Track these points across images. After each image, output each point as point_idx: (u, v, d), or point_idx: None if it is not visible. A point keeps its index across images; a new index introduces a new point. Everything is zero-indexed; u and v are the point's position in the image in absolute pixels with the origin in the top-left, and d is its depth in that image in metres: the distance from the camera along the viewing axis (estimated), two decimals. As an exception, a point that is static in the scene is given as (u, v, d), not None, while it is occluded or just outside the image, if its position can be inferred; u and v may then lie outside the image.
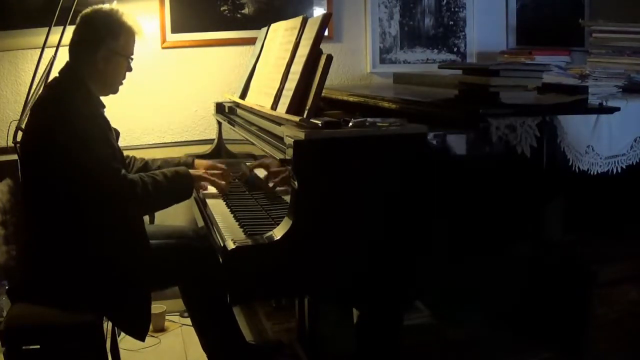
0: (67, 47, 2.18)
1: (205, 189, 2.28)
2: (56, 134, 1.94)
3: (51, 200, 1.98)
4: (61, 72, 2.15)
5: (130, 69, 2.23)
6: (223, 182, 2.24)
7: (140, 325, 2.08)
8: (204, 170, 2.26)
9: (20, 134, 2.74)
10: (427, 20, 3.55)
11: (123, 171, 2.00)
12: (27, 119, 2.11)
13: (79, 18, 2.19)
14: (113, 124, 2.18)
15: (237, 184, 2.46)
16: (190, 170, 2.19)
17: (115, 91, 2.24)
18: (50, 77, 2.76)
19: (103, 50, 2.12)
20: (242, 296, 1.72)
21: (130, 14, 2.22)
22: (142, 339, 2.10)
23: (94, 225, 1.97)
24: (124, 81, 2.24)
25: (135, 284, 2.04)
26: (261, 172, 2.35)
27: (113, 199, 1.95)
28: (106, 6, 2.19)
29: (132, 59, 2.22)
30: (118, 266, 2.00)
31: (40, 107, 2.09)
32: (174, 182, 2.10)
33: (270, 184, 2.24)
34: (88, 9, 2.20)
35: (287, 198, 2.06)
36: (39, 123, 2.04)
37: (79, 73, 2.12)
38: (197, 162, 2.51)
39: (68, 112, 1.98)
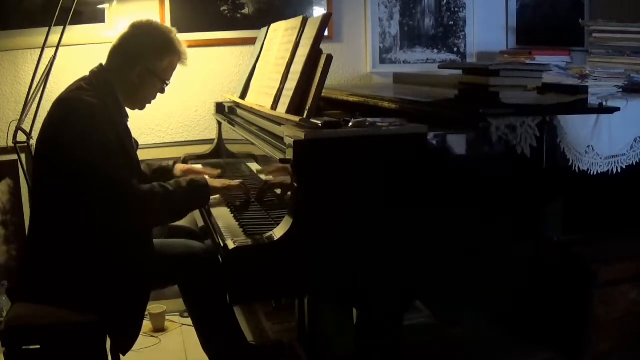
0: (109, 49, 2.12)
1: (229, 199, 2.19)
2: (72, 135, 1.91)
3: (56, 200, 1.96)
4: (93, 72, 2.10)
5: (163, 92, 2.20)
6: (237, 203, 2.15)
7: (130, 336, 2.07)
8: (223, 184, 2.16)
9: (20, 134, 2.75)
10: (427, 20, 3.55)
11: (134, 181, 1.95)
12: (48, 113, 2.04)
13: (130, 26, 2.14)
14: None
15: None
16: (209, 180, 2.12)
17: (141, 108, 2.21)
18: (52, 77, 2.77)
19: (142, 66, 2.08)
20: (242, 296, 1.72)
21: (182, 41, 2.17)
22: (125, 351, 2.07)
23: (96, 227, 1.96)
24: (153, 101, 2.22)
25: (136, 284, 2.04)
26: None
27: (118, 207, 1.91)
28: (163, 25, 2.17)
29: (167, 84, 2.19)
30: (122, 266, 2.00)
31: (64, 104, 2.02)
32: (190, 193, 2.03)
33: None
34: (143, 20, 2.17)
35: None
36: (59, 120, 1.98)
37: (111, 79, 2.07)
38: (177, 166, 2.52)
39: (89, 115, 1.93)
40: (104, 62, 2.14)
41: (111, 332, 2.03)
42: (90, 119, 1.93)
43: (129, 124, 2.16)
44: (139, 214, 1.95)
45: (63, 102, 2.03)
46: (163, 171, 2.49)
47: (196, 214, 2.32)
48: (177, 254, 2.18)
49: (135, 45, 2.10)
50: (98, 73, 2.10)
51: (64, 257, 1.98)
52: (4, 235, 2.11)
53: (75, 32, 2.97)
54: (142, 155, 2.66)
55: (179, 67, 2.24)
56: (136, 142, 2.25)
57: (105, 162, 1.89)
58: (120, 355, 2.20)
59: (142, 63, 2.09)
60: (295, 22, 2.16)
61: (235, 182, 2.21)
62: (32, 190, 2.06)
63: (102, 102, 2.00)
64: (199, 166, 2.66)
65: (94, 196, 1.91)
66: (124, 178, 1.92)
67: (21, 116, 2.74)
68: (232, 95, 2.74)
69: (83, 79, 2.09)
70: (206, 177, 2.21)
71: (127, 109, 2.18)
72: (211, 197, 2.14)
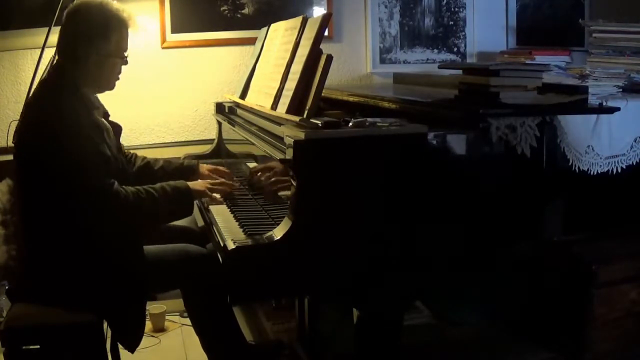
0: (57, 44, 2.06)
1: (212, 199, 2.18)
2: (44, 141, 1.90)
3: (47, 202, 1.96)
4: (50, 73, 2.06)
5: (126, 63, 2.12)
6: (221, 198, 2.16)
7: (134, 332, 2.07)
8: (204, 186, 2.16)
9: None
10: (427, 20, 3.55)
11: (114, 185, 1.93)
12: (18, 121, 2.05)
13: (64, 15, 2.04)
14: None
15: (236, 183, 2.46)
16: (190, 184, 2.11)
17: (111, 88, 2.13)
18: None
19: (94, 55, 2.01)
20: (242, 296, 1.73)
21: (119, 5, 2.05)
22: (132, 350, 2.08)
23: (90, 227, 1.96)
24: (120, 76, 2.13)
25: (135, 285, 2.04)
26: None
27: (99, 211, 1.92)
28: (95, 2, 2.02)
29: (126, 56, 2.11)
30: (117, 267, 2.00)
31: (29, 110, 2.02)
32: (172, 198, 2.03)
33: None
34: (73, 5, 2.05)
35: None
36: (27, 128, 1.99)
37: (70, 74, 2.02)
38: (202, 166, 2.46)
39: (56, 121, 1.91)
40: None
41: (116, 330, 2.03)
42: (55, 121, 1.90)
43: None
44: (121, 216, 1.95)
45: (29, 106, 2.03)
46: (187, 171, 2.42)
47: (196, 213, 2.32)
48: (175, 261, 2.17)
49: (78, 36, 2.01)
50: (55, 71, 2.06)
51: (60, 256, 1.98)
52: (4, 235, 2.11)
53: (75, 32, 2.97)
54: (142, 155, 2.67)
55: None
56: (119, 128, 2.20)
57: (76, 162, 1.88)
58: (120, 356, 2.20)
59: (94, 50, 2.01)
60: (295, 22, 2.16)
61: (217, 181, 2.22)
62: (18, 194, 2.05)
63: (65, 101, 1.95)
64: (221, 168, 2.54)
65: (77, 200, 1.91)
66: (102, 182, 1.90)
67: (21, 116, 2.74)
68: (232, 95, 2.74)
69: (43, 80, 2.07)
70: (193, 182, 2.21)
71: (99, 95, 2.14)
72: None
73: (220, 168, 2.49)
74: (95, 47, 2.01)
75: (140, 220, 2.04)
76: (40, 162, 1.93)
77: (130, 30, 2.09)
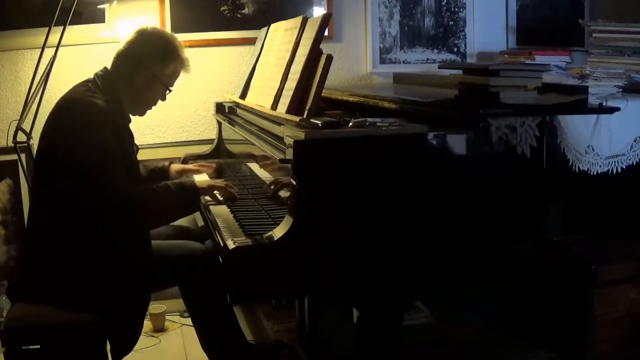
0: (109, 50, 2.17)
1: (213, 198, 2.20)
2: (71, 134, 1.93)
3: (56, 200, 1.97)
4: (97, 75, 2.12)
5: (164, 99, 2.22)
6: (222, 198, 2.18)
7: (131, 337, 2.07)
8: (207, 184, 2.18)
9: (20, 134, 2.75)
10: (427, 20, 3.55)
11: (125, 185, 1.95)
12: (51, 111, 2.06)
13: (136, 32, 2.17)
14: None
15: (236, 184, 2.46)
16: (197, 182, 2.14)
17: (141, 114, 2.23)
18: (52, 78, 2.77)
19: (147, 71, 2.11)
20: (242, 296, 1.73)
21: (184, 48, 2.21)
22: (124, 354, 2.07)
23: (95, 227, 1.96)
24: (153, 107, 2.23)
25: (136, 284, 2.04)
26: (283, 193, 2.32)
27: (107, 209, 1.92)
28: (167, 31, 2.20)
29: (170, 91, 2.21)
30: (118, 266, 2.00)
31: (67, 103, 2.04)
32: (179, 196, 2.04)
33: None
34: (148, 26, 2.20)
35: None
36: (60, 119, 2.01)
37: (115, 83, 2.10)
38: (172, 166, 2.55)
39: (91, 116, 1.95)
40: (108, 65, 2.16)
41: (111, 334, 2.03)
42: (91, 120, 1.95)
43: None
44: (128, 217, 1.95)
45: (67, 102, 2.05)
46: (159, 172, 2.51)
47: (197, 213, 2.32)
48: (176, 256, 2.18)
49: (141, 51, 2.12)
50: (103, 76, 2.12)
51: (63, 256, 1.98)
52: (4, 235, 2.12)
53: (75, 32, 2.97)
54: (142, 155, 2.66)
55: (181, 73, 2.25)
56: (136, 146, 2.25)
57: (98, 164, 1.90)
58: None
59: (147, 68, 2.12)
60: (295, 22, 2.16)
61: (219, 182, 2.23)
62: (32, 189, 2.07)
63: (106, 105, 2.01)
64: (191, 166, 2.66)
65: (86, 197, 1.92)
66: (114, 181, 1.92)
67: (21, 116, 2.74)
68: (232, 95, 2.74)
69: (88, 81, 2.11)
70: (195, 177, 2.21)
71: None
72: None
73: (189, 166, 2.61)
74: (150, 64, 2.12)
75: (150, 219, 2.05)
76: (63, 161, 1.94)
77: (182, 72, 2.23)
